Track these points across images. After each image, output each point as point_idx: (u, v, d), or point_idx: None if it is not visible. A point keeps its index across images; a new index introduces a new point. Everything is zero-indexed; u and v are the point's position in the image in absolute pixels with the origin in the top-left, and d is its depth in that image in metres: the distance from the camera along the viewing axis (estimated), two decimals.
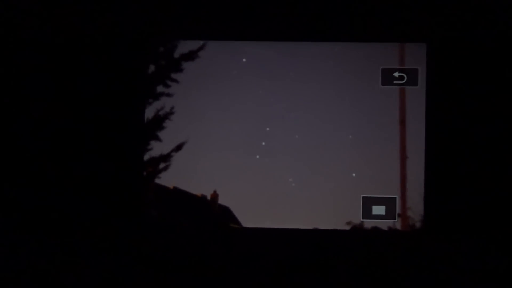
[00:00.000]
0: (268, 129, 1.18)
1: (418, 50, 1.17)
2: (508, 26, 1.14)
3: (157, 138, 1.18)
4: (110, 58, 1.17)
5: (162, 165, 1.17)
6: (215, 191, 1.17)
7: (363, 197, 1.16)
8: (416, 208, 1.16)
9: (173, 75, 1.18)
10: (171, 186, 1.17)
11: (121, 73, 1.17)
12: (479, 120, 1.14)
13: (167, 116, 1.18)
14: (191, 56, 1.18)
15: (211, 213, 1.17)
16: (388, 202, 1.16)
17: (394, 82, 1.17)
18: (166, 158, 1.17)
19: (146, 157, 1.17)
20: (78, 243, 1.14)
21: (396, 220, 1.16)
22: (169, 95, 1.18)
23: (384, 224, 1.16)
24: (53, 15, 1.18)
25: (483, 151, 1.14)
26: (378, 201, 1.16)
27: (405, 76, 1.17)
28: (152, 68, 1.19)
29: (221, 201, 1.17)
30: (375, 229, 1.16)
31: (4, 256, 1.14)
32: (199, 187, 1.17)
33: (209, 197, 1.17)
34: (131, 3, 1.17)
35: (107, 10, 1.18)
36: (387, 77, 1.17)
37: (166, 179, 1.17)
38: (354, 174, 1.16)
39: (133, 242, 1.15)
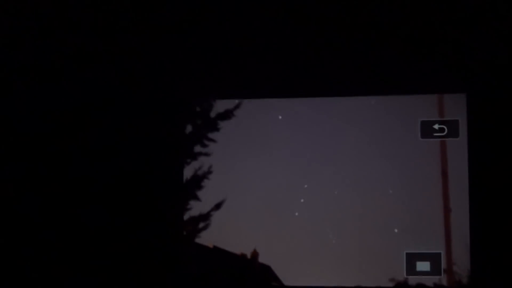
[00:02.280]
0: (306, 186, 1.17)
1: (458, 100, 1.14)
2: None
3: (196, 198, 1.19)
4: (148, 118, 1.19)
5: (201, 224, 1.18)
6: (255, 250, 1.16)
7: (406, 253, 1.13)
8: (462, 263, 1.12)
9: (210, 135, 1.19)
10: (211, 245, 1.17)
11: (159, 133, 1.19)
12: None
13: (205, 175, 1.19)
14: (227, 115, 1.19)
15: (251, 272, 1.16)
16: (433, 258, 1.13)
17: (434, 134, 1.15)
18: (205, 217, 1.18)
19: (186, 216, 1.18)
20: None
21: (442, 276, 1.13)
22: (207, 154, 1.19)
23: (429, 281, 1.13)
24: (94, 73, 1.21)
25: None
26: (422, 257, 1.13)
27: (445, 128, 1.14)
28: (189, 128, 1.20)
29: (262, 259, 1.16)
30: (420, 286, 1.13)
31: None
32: (239, 246, 1.17)
33: (249, 256, 1.17)
34: (168, 63, 1.19)
35: (146, 70, 1.20)
36: (426, 130, 1.15)
37: (206, 238, 1.18)
38: (396, 230, 1.14)
39: None
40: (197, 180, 1.19)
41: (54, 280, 1.17)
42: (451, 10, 1.13)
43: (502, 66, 1.13)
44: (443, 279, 1.13)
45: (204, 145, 1.19)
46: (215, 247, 1.17)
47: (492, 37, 1.13)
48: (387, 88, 1.16)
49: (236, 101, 1.19)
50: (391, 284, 1.13)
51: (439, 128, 1.15)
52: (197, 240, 1.18)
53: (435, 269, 1.13)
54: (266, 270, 1.16)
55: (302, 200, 1.17)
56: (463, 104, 1.14)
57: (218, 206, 1.18)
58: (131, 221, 1.17)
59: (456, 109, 1.14)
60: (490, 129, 1.12)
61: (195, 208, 1.18)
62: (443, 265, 1.13)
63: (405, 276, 1.13)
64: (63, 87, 1.21)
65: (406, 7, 1.13)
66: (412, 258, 1.13)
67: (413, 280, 1.13)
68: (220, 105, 1.20)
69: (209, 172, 1.19)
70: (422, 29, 1.15)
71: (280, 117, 1.18)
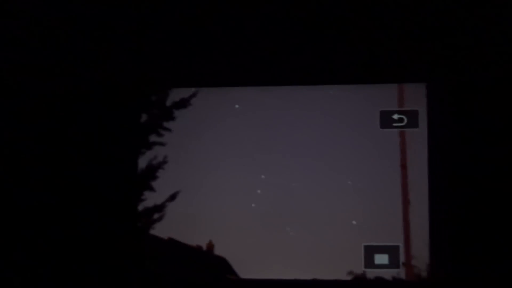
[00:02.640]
0: (263, 176, 1.14)
1: (417, 90, 1.12)
2: (508, 64, 1.09)
3: (151, 188, 1.16)
4: (102, 108, 1.16)
5: (156, 216, 1.15)
6: (210, 241, 1.14)
7: (364, 245, 1.11)
8: (421, 256, 1.10)
9: (165, 124, 1.16)
10: (166, 237, 1.14)
11: (113, 122, 1.15)
12: (484, 161, 1.09)
13: (160, 165, 1.16)
14: (183, 104, 1.16)
15: (207, 264, 1.13)
16: (391, 251, 1.11)
17: (394, 124, 1.13)
18: (160, 208, 1.15)
19: (140, 207, 1.15)
20: None
21: (400, 269, 1.11)
22: (162, 144, 1.16)
23: (387, 274, 1.11)
24: (50, 65, 1.18)
25: (490, 194, 1.08)
26: (381, 249, 1.11)
27: (405, 118, 1.12)
28: (144, 117, 1.17)
29: (217, 251, 1.14)
30: (378, 279, 1.11)
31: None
32: (194, 238, 1.14)
33: (204, 248, 1.14)
34: (122, 53, 1.16)
35: (99, 61, 1.17)
36: (386, 120, 1.13)
37: (161, 230, 1.15)
38: (354, 222, 1.12)
39: None
40: (152, 170, 1.16)
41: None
42: (413, 1, 1.11)
43: (463, 56, 1.11)
44: (401, 272, 1.11)
45: (160, 135, 1.16)
46: (170, 239, 1.14)
47: (453, 28, 1.11)
48: (347, 77, 1.13)
49: (192, 89, 1.16)
50: (349, 277, 1.11)
51: (398, 118, 1.12)
52: (152, 232, 1.15)
53: (393, 262, 1.11)
54: (222, 263, 1.13)
55: (258, 191, 1.14)
56: (423, 94, 1.12)
57: (173, 197, 1.15)
58: (83, 213, 1.14)
59: (416, 99, 1.12)
60: (450, 119, 1.11)
61: (150, 199, 1.16)
62: (402, 258, 1.10)
63: (364, 269, 1.11)
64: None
65: None
66: (370, 251, 1.11)
67: (371, 273, 1.11)
68: (176, 94, 1.17)
69: (164, 162, 1.16)
70: (383, 20, 1.13)
71: (237, 106, 1.16)
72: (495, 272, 1.07)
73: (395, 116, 1.12)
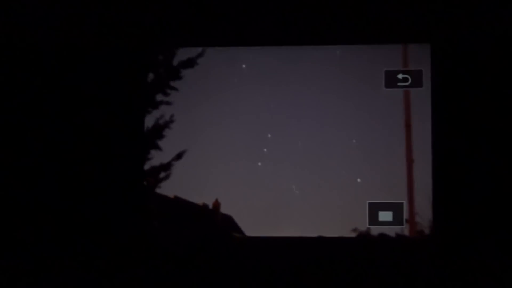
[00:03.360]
0: (269, 135, 1.16)
1: (422, 51, 1.15)
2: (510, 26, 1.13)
3: (157, 147, 1.17)
4: (108, 66, 1.17)
5: (162, 174, 1.17)
6: (217, 200, 1.16)
7: (369, 203, 1.14)
8: (424, 213, 1.13)
9: (172, 83, 1.18)
10: (172, 196, 1.16)
11: (119, 81, 1.17)
12: (487, 121, 1.12)
13: (166, 124, 1.18)
14: (190, 63, 1.18)
15: (213, 222, 1.15)
16: (395, 208, 1.14)
17: (398, 84, 1.15)
18: (166, 167, 1.17)
19: (147, 166, 1.17)
20: (78, 253, 1.14)
21: (404, 226, 1.14)
22: (168, 103, 1.18)
23: (391, 231, 1.14)
24: (54, 19, 1.19)
25: (493, 153, 1.12)
26: (385, 207, 1.14)
27: (409, 78, 1.15)
28: (151, 76, 1.18)
29: (223, 209, 1.16)
30: (382, 236, 1.14)
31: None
32: (200, 196, 1.16)
33: (211, 206, 1.16)
34: (129, 12, 1.18)
35: (106, 18, 1.18)
36: (391, 80, 1.15)
37: (168, 189, 1.17)
38: (359, 180, 1.15)
39: (135, 252, 1.14)
40: (158, 130, 1.18)
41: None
42: None
43: (466, 17, 1.14)
44: (405, 229, 1.14)
45: (166, 94, 1.18)
46: (176, 198, 1.16)
47: None
48: (352, 37, 1.16)
49: (199, 49, 1.18)
50: (353, 234, 1.14)
51: (403, 78, 1.15)
52: (158, 191, 1.17)
53: (397, 219, 1.14)
54: (228, 221, 1.15)
55: (265, 150, 1.16)
56: (427, 55, 1.15)
57: (179, 156, 1.17)
58: (90, 171, 1.15)
59: (420, 59, 1.15)
60: (454, 79, 1.14)
61: (156, 158, 1.17)
62: (405, 215, 1.13)
63: (368, 226, 1.14)
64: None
65: None
66: (374, 208, 1.14)
67: (375, 230, 1.14)
68: (183, 53, 1.19)
69: (170, 121, 1.18)
70: None
71: (243, 66, 1.18)
72: (495, 227, 1.10)
73: (400, 76, 1.15)
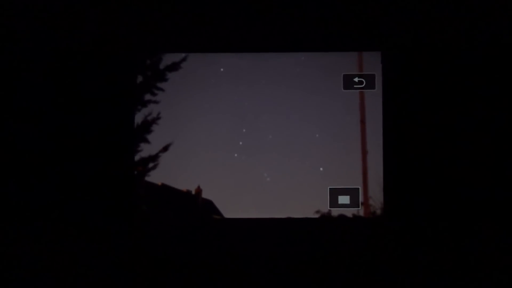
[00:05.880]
0: (244, 130, 1.31)
1: (374, 57, 1.31)
2: (453, 32, 1.29)
3: (146, 141, 1.31)
4: (102, 70, 1.30)
5: (151, 165, 1.30)
6: (198, 186, 1.30)
7: (330, 188, 1.29)
8: (376, 197, 1.29)
9: (159, 85, 1.31)
10: (159, 183, 1.30)
11: (112, 83, 1.30)
12: (429, 117, 1.27)
13: (154, 121, 1.31)
14: (174, 67, 1.31)
15: (195, 206, 1.30)
16: (352, 193, 1.29)
17: (355, 86, 1.31)
18: (154, 158, 1.30)
19: (137, 157, 1.30)
20: (72, 235, 1.26)
21: (359, 208, 1.29)
22: (155, 102, 1.31)
23: (349, 212, 1.29)
24: (51, 24, 1.30)
25: (434, 144, 1.27)
26: (343, 191, 1.29)
27: (364, 81, 1.31)
28: (140, 78, 1.32)
29: (205, 195, 1.30)
30: (341, 217, 1.30)
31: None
32: (184, 183, 1.30)
33: (193, 192, 1.30)
34: (122, 21, 1.30)
35: (101, 28, 1.31)
36: (348, 82, 1.31)
37: (155, 177, 1.30)
38: (321, 169, 1.30)
39: (126, 234, 1.27)
40: (147, 125, 1.30)
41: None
42: None
43: (412, 28, 1.30)
44: (360, 210, 1.30)
45: (154, 94, 1.31)
46: (163, 185, 1.30)
47: (403, 4, 1.30)
48: (315, 45, 1.30)
49: (183, 54, 1.32)
50: (317, 216, 1.29)
51: (358, 80, 1.31)
52: (147, 179, 1.30)
53: (354, 202, 1.29)
54: (209, 205, 1.29)
55: (240, 143, 1.31)
56: (378, 61, 1.31)
57: (166, 148, 1.30)
58: (87, 161, 1.28)
59: (373, 64, 1.31)
60: (401, 82, 1.29)
61: (145, 150, 1.30)
62: (361, 198, 1.30)
63: (329, 208, 1.29)
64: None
65: None
66: (334, 193, 1.29)
67: (335, 211, 1.29)
68: (168, 58, 1.32)
69: (158, 118, 1.31)
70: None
71: (221, 69, 1.32)
72: (437, 209, 1.26)
73: (356, 79, 1.31)
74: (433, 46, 1.29)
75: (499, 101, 1.28)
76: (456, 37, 1.29)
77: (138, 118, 1.31)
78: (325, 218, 1.29)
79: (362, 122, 1.30)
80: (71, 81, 1.29)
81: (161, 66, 1.32)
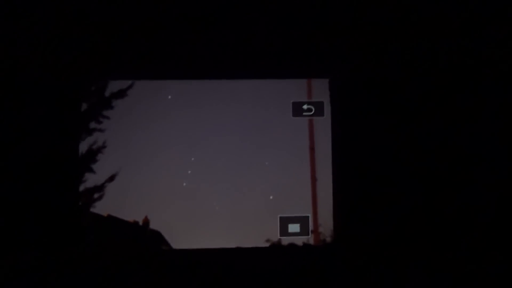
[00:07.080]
0: (193, 159, 1.30)
1: (322, 85, 1.32)
2: (401, 59, 1.31)
3: (91, 170, 1.28)
4: (44, 97, 1.26)
5: (96, 195, 1.27)
6: (146, 217, 1.28)
7: (280, 217, 1.29)
8: (326, 224, 1.30)
9: (104, 112, 1.29)
10: (105, 214, 1.27)
11: (55, 111, 1.26)
12: (379, 145, 1.29)
13: (99, 149, 1.28)
14: (120, 94, 1.30)
15: (143, 237, 1.28)
16: (302, 220, 1.29)
17: (304, 113, 1.32)
18: (100, 188, 1.28)
19: (81, 188, 1.27)
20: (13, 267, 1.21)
21: (309, 236, 1.30)
22: (101, 130, 1.29)
23: (299, 240, 1.30)
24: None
25: (385, 171, 1.28)
26: (293, 220, 1.29)
27: (313, 108, 1.32)
28: (84, 106, 1.29)
29: (152, 226, 1.28)
30: (291, 245, 1.30)
31: None
32: (131, 214, 1.28)
33: (141, 223, 1.28)
34: (67, 47, 1.27)
35: (47, 53, 1.28)
36: (297, 109, 1.32)
37: (101, 208, 1.28)
38: (271, 197, 1.30)
39: (71, 267, 1.22)
40: (92, 154, 1.28)
41: None
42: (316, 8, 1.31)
43: (359, 56, 1.31)
44: (310, 238, 1.30)
45: (99, 122, 1.29)
46: (109, 216, 1.27)
47: (351, 32, 1.32)
48: (264, 73, 1.31)
49: (129, 81, 1.30)
50: (267, 244, 1.29)
51: (307, 108, 1.32)
52: (92, 210, 1.27)
53: (304, 230, 1.29)
54: (157, 235, 1.28)
55: (189, 172, 1.30)
56: (326, 88, 1.32)
57: (112, 178, 1.28)
58: (28, 192, 1.24)
59: (321, 92, 1.32)
60: (349, 109, 1.30)
61: (90, 180, 1.28)
62: (311, 226, 1.30)
63: (279, 237, 1.29)
64: None
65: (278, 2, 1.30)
66: (285, 221, 1.29)
67: (285, 240, 1.29)
68: (114, 85, 1.31)
69: (103, 146, 1.28)
70: (294, 26, 1.31)
71: (169, 96, 1.31)
72: (387, 235, 1.27)
73: (305, 106, 1.32)
74: (381, 74, 1.31)
75: (445, 128, 1.30)
76: (405, 63, 1.31)
77: (83, 147, 1.28)
78: (275, 247, 1.28)
79: (312, 149, 1.31)
80: (12, 108, 1.25)
81: (107, 93, 1.30)
